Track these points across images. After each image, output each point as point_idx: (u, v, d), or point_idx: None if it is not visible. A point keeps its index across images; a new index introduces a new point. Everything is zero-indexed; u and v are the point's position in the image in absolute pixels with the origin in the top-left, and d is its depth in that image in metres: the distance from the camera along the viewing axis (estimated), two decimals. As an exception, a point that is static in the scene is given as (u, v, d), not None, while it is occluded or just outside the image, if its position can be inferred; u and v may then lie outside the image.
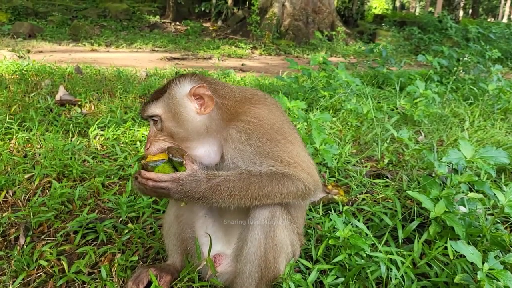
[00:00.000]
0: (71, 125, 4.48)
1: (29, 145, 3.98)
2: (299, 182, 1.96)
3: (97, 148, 4.04)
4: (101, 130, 4.40)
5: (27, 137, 4.09)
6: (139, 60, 11.82)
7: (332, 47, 18.84)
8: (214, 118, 2.03)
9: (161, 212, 2.97)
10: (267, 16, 20.20)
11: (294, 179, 1.96)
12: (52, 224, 2.83)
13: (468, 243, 2.38)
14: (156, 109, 2.02)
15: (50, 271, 2.38)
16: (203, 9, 24.52)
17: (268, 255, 2.00)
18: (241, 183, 1.89)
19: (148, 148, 2.03)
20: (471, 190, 3.03)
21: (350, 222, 2.67)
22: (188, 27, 21.09)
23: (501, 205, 2.33)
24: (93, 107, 5.26)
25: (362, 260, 2.31)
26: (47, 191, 3.22)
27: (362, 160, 4.11)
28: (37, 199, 3.06)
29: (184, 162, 1.89)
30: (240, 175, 1.91)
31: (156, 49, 15.81)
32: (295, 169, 1.98)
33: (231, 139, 1.99)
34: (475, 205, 2.74)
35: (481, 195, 2.69)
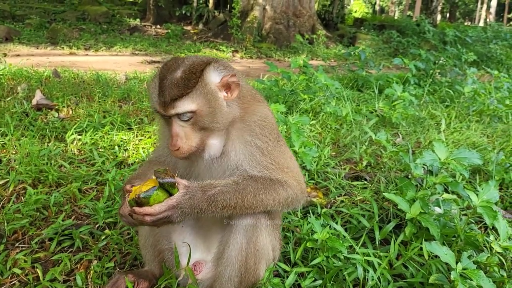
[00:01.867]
0: (47, 130, 4.40)
1: (4, 150, 3.89)
2: (289, 189, 1.97)
3: (74, 153, 3.98)
4: (79, 135, 4.34)
5: (2, 143, 4.01)
6: (119, 63, 11.69)
7: (313, 50, 18.96)
8: (234, 104, 1.97)
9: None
10: (248, 19, 20.23)
11: (285, 186, 1.96)
12: (27, 231, 2.78)
13: (443, 244, 2.43)
14: (190, 105, 1.84)
15: (25, 279, 2.33)
16: (184, 12, 24.42)
17: (249, 260, 2.00)
18: (237, 195, 1.86)
19: (178, 149, 1.88)
20: (446, 191, 3.09)
21: (328, 224, 2.69)
22: (169, 30, 20.91)
23: (474, 206, 2.38)
24: (70, 112, 5.18)
25: (340, 262, 2.34)
26: (22, 197, 3.16)
27: (341, 163, 4.14)
28: (11, 205, 3.00)
29: (176, 183, 1.78)
30: (237, 186, 1.88)
31: (136, 52, 15.64)
32: (287, 175, 1.99)
33: (245, 131, 1.97)
34: (449, 206, 2.79)
35: (455, 196, 2.75)
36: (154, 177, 1.78)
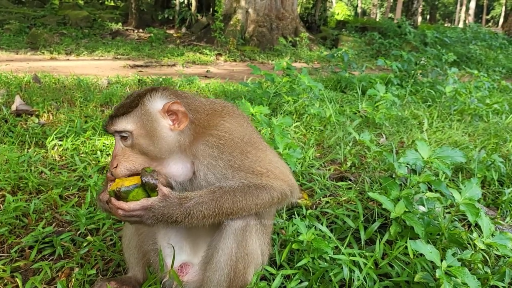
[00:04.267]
0: (27, 136, 4.31)
1: (-18, 158, 3.80)
2: (273, 190, 1.95)
3: (55, 159, 3.90)
4: (60, 141, 4.26)
5: (-21, 150, 3.90)
6: (101, 68, 11.56)
7: (296, 52, 19.05)
8: (186, 133, 1.95)
9: (122, 223, 2.89)
10: (231, 22, 20.23)
11: (268, 189, 1.94)
12: (6, 239, 2.70)
13: (428, 242, 2.44)
14: (127, 124, 1.87)
15: (3, 289, 2.27)
16: (166, 16, 24.34)
17: (238, 265, 1.98)
18: (214, 204, 1.85)
19: (116, 167, 1.89)
20: (430, 190, 3.11)
21: (313, 225, 2.68)
22: (152, 34, 20.79)
23: (457, 203, 2.40)
24: (51, 117, 5.09)
25: (325, 263, 2.33)
26: (1, 205, 3.07)
27: (326, 164, 4.15)
28: (-11, 214, 2.92)
29: (157, 187, 1.82)
30: (213, 195, 1.87)
31: (118, 56, 15.49)
32: (268, 178, 1.96)
33: (202, 155, 1.94)
34: (433, 204, 2.81)
35: (438, 194, 2.76)
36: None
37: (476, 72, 8.48)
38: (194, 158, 1.97)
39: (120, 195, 1.80)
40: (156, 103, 1.91)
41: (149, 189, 1.82)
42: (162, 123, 1.90)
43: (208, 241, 2.09)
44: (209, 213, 1.85)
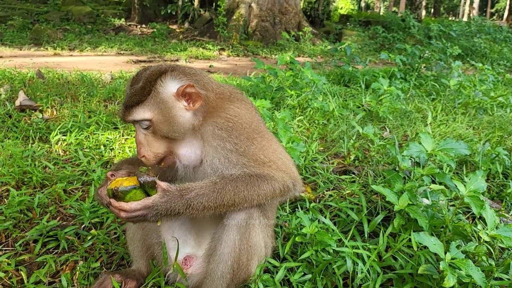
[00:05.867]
0: (31, 131, 4.32)
1: (-14, 153, 3.81)
2: (274, 181, 1.95)
3: (59, 154, 3.91)
4: (63, 135, 4.27)
5: (-17, 145, 3.92)
6: (104, 63, 11.56)
7: (299, 47, 18.97)
8: (199, 111, 1.95)
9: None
10: (234, 17, 20.16)
11: (269, 179, 1.94)
12: (11, 233, 2.72)
13: (432, 234, 2.43)
14: (144, 113, 1.87)
15: (8, 282, 2.28)
16: (169, 11, 24.24)
17: (242, 257, 1.98)
18: (215, 195, 1.85)
19: (143, 155, 1.91)
20: (434, 183, 3.10)
21: (316, 218, 2.68)
22: (155, 30, 20.75)
23: (461, 196, 2.39)
24: (55, 112, 5.10)
25: (329, 256, 2.32)
26: (5, 199, 3.09)
27: (329, 157, 4.14)
28: (-6, 208, 2.93)
29: (156, 184, 1.82)
30: (214, 186, 1.87)
31: (121, 52, 15.48)
32: (270, 168, 1.96)
33: (212, 136, 1.94)
34: (437, 197, 2.79)
35: (442, 187, 2.75)
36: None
37: (480, 65, 8.42)
38: (204, 140, 1.96)
39: (117, 195, 1.80)
40: (169, 87, 1.90)
41: (148, 188, 1.82)
42: (177, 106, 1.91)
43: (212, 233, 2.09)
44: (210, 204, 1.85)
